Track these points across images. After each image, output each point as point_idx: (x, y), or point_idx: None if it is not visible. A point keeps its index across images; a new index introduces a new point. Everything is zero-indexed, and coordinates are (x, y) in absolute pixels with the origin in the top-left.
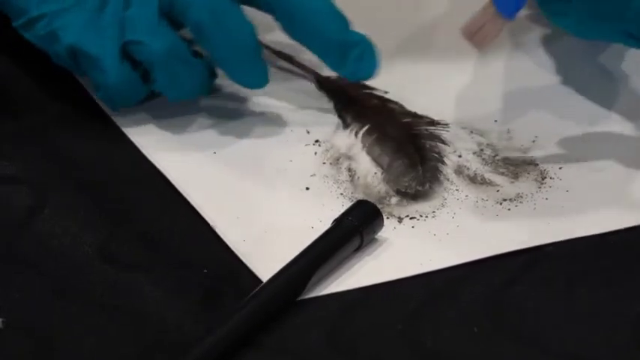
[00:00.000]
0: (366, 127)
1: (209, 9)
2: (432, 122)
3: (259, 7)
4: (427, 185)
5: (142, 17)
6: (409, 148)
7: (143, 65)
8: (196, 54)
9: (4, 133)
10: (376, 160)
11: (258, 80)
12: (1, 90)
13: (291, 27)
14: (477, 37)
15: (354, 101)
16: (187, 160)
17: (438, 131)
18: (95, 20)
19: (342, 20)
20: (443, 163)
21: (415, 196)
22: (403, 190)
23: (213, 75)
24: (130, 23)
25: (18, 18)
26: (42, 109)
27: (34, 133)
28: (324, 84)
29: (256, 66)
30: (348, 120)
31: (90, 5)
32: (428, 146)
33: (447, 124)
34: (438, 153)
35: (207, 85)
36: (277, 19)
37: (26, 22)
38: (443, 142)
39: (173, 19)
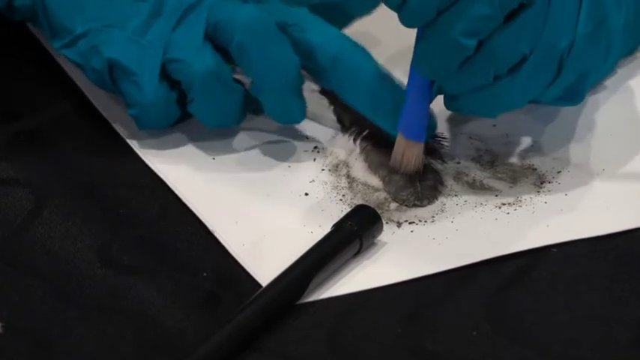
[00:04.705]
0: (365, 132)
1: (254, 32)
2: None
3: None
4: (425, 202)
5: (187, 38)
6: None
7: (180, 86)
8: (237, 82)
9: (4, 135)
10: (374, 170)
11: (294, 115)
12: (0, 92)
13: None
14: (403, 165)
15: None
16: (186, 165)
17: (437, 144)
18: (138, 38)
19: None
20: (441, 183)
21: (412, 207)
22: (400, 203)
23: (248, 104)
24: (174, 43)
25: (62, 38)
26: (41, 111)
27: (34, 135)
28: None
29: (294, 99)
30: (347, 123)
31: (134, 24)
32: (427, 161)
33: (445, 138)
34: (437, 172)
35: (243, 113)
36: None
37: (71, 41)
38: (442, 158)
39: (217, 43)
